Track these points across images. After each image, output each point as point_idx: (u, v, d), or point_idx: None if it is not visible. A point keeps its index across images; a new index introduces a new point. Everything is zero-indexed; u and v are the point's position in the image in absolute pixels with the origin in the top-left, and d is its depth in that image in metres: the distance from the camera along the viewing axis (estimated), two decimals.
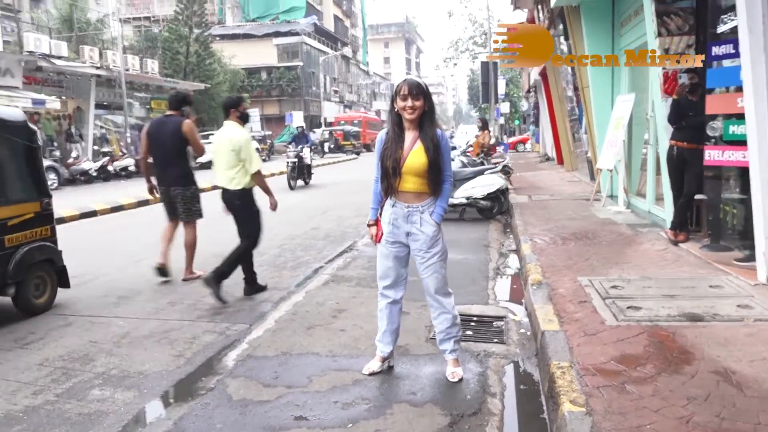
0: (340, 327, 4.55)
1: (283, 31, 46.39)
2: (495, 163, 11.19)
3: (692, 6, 6.54)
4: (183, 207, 6.18)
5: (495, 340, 4.28)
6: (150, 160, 6.37)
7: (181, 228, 6.29)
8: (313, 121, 45.52)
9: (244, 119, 5.58)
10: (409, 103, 3.30)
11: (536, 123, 30.43)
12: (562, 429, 2.77)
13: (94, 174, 19.46)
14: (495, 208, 9.93)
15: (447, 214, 10.73)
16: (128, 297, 5.57)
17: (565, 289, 4.93)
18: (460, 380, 3.50)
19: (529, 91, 29.30)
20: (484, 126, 15.50)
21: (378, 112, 69.44)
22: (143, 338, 4.42)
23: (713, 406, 2.82)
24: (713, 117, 5.20)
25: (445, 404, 3.23)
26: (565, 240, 7.12)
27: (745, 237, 5.43)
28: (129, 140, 23.76)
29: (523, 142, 36.07)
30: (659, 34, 6.63)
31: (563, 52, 13.76)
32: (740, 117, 4.82)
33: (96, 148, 22.29)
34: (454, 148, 13.40)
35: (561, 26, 13.23)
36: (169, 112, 6.28)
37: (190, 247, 6.22)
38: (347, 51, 57.33)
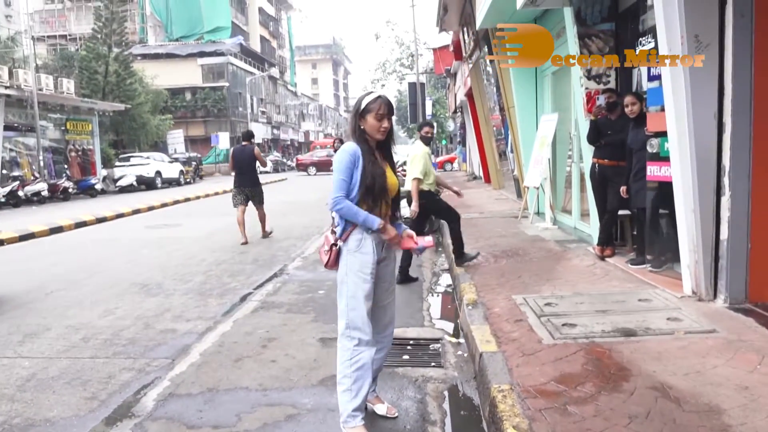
0: (270, 357, 4.31)
1: (208, 51, 45.44)
2: None
3: (612, 29, 6.78)
4: (256, 198, 10.07)
5: (432, 364, 4.16)
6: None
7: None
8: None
9: (425, 141, 6.80)
10: (385, 123, 3.04)
11: (463, 142, 31.05)
12: None
13: (2, 200, 18.19)
14: (426, 227, 9.91)
15: None
16: (36, 334, 5.08)
17: (500, 308, 4.89)
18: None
19: (455, 112, 29.90)
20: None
21: (306, 133, 69.14)
22: (51, 380, 4.00)
23: (654, 424, 2.79)
24: (656, 134, 5.36)
25: None
26: (497, 258, 7.15)
27: (668, 249, 5.59)
28: (42, 164, 22.43)
29: (451, 161, 36.70)
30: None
31: (489, 74, 14.10)
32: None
33: (5, 172, 20.90)
34: None
35: (486, 48, 13.56)
36: (244, 143, 10.19)
37: (262, 219, 10.28)
38: (274, 72, 56.87)
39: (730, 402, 2.98)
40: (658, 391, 3.15)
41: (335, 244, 3.06)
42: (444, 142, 48.04)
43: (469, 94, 19.36)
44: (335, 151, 13.39)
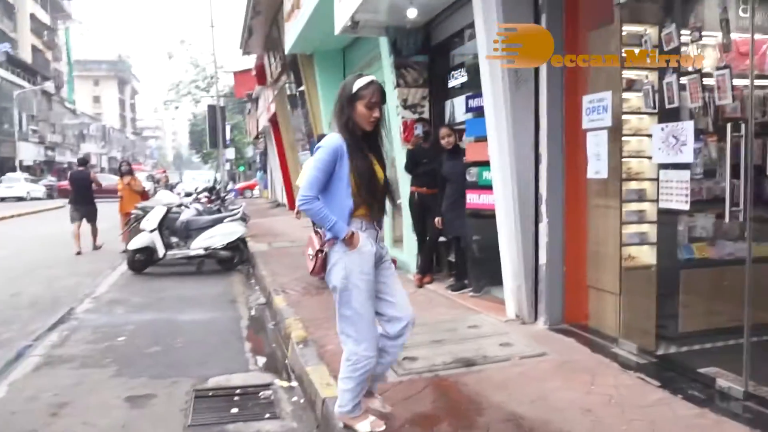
0: (63, 428, 3.48)
1: None
2: (233, 211, 10.58)
3: (426, 61, 7.01)
4: (90, 216, 11.03)
5: (267, 416, 3.70)
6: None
7: None
8: (5, 165, 38.80)
9: None
10: (377, 113, 2.76)
11: (264, 169, 30.48)
12: None
13: None
14: (236, 258, 9.32)
15: (183, 268, 9.71)
16: None
17: (334, 345, 4.53)
18: None
19: (257, 137, 29.29)
20: (129, 171, 11.65)
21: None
22: None
23: None
24: (473, 164, 5.52)
25: None
26: (319, 289, 6.85)
27: (485, 275, 5.80)
28: None
29: (251, 188, 35.92)
30: (398, 85, 6.95)
31: (296, 99, 13.94)
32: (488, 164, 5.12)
33: None
34: (188, 194, 12.40)
35: (292, 74, 13.41)
36: (80, 167, 11.66)
37: (94, 234, 11.25)
38: (49, 86, 50.84)
39: (579, 427, 3.01)
40: (511, 422, 3.10)
41: (321, 250, 2.76)
42: (242, 168, 46.91)
43: (273, 120, 19.04)
44: (121, 176, 11.53)
